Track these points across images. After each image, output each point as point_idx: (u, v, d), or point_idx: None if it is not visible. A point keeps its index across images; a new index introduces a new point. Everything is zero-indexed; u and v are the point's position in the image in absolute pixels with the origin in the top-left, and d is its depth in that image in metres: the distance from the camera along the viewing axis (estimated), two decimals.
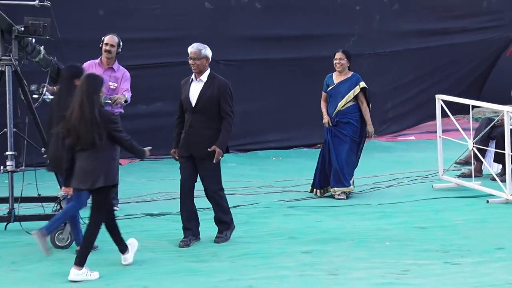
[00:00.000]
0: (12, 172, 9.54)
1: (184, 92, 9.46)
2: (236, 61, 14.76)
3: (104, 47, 10.82)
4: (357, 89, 11.61)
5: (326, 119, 11.71)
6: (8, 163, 9.54)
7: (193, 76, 9.46)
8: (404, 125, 16.93)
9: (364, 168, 12.81)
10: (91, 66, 10.81)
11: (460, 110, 15.08)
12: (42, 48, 9.87)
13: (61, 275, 8.54)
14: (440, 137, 12.52)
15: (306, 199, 11.67)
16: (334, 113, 11.63)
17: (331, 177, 11.62)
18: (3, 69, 9.64)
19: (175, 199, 10.73)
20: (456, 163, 12.99)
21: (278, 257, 9.03)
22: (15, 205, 9.52)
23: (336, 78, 11.75)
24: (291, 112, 15.19)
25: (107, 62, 10.84)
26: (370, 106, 11.74)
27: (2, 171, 9.54)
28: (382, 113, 16.37)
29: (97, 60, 10.90)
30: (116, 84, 10.81)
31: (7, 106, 9.61)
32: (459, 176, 12.57)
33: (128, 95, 10.77)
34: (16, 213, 9.52)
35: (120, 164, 13.95)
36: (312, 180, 11.83)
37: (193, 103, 9.37)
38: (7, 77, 9.62)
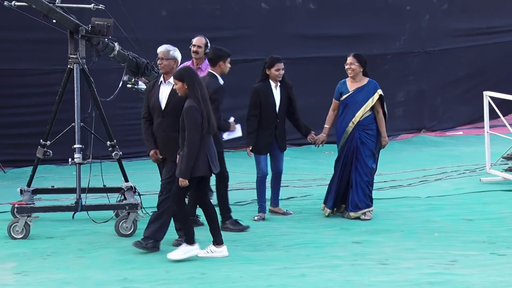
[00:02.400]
0: (80, 164, 9.65)
1: (153, 95, 9.00)
2: (290, 59, 14.71)
3: (192, 48, 10.89)
4: (375, 97, 10.10)
5: (322, 137, 10.43)
6: (75, 155, 9.64)
7: (161, 78, 9.05)
8: (454, 121, 16.78)
9: (413, 162, 12.75)
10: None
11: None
12: (116, 44, 9.96)
13: (124, 261, 8.63)
14: (487, 132, 12.40)
15: None
16: (351, 123, 10.13)
17: (352, 197, 10.14)
18: (71, 67, 9.75)
19: (235, 190, 10.77)
20: (503, 157, 12.85)
21: (330, 247, 9.03)
22: (82, 195, 9.61)
23: (351, 85, 10.24)
24: None
25: (196, 62, 10.91)
26: (387, 116, 10.35)
27: (70, 163, 9.65)
28: (431, 110, 16.27)
29: (189, 62, 10.98)
30: None
31: (75, 102, 9.71)
32: (506, 170, 12.44)
33: None
34: (83, 203, 9.62)
35: None
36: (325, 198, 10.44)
37: (163, 106, 8.90)
38: (75, 74, 9.73)
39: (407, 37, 15.92)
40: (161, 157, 9.05)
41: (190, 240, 8.68)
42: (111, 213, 10.03)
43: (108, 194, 10.22)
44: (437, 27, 16.23)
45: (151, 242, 8.84)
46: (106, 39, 9.80)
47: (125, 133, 13.27)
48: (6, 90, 13.18)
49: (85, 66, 9.77)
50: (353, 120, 10.11)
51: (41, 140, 9.83)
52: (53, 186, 10.59)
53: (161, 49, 9.07)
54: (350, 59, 10.15)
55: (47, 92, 12.45)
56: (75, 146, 9.65)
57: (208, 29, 13.52)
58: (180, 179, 8.49)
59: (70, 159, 9.66)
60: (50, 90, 11.81)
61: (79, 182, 9.61)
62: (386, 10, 15.70)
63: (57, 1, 9.68)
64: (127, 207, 9.63)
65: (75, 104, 9.72)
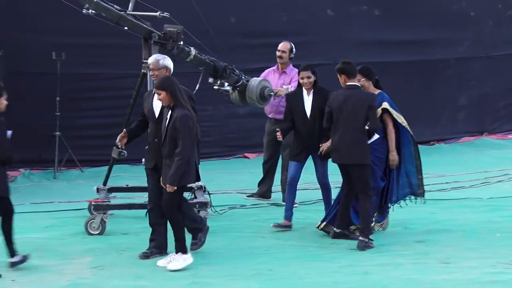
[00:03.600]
0: None
1: (147, 105, 8.69)
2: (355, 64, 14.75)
3: (277, 53, 10.94)
4: (378, 111, 9.23)
5: (326, 146, 9.42)
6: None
7: (154, 88, 8.55)
8: None
9: (475, 164, 12.62)
10: (269, 73, 10.97)
11: None
12: (193, 49, 10.02)
13: (194, 257, 8.70)
14: None
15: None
16: None
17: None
18: (144, 71, 9.86)
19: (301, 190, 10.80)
20: None
21: (393, 246, 8.99)
22: None
23: None
24: (404, 112, 14.98)
25: (281, 67, 10.95)
26: (407, 130, 9.46)
27: (143, 163, 9.77)
28: (493, 113, 16.08)
29: (274, 67, 11.04)
30: (289, 86, 10.83)
31: None
32: None
33: (291, 88, 10.68)
34: None
35: (248, 157, 14.16)
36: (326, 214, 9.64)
37: (156, 114, 8.58)
38: (148, 78, 9.85)
39: (470, 43, 15.77)
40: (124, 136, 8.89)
41: (185, 249, 8.32)
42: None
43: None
44: (500, 33, 16.04)
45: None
46: (182, 44, 9.87)
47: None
48: (85, 94, 13.41)
49: None
50: None
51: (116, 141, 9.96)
52: (127, 185, 10.75)
53: (150, 60, 8.77)
54: (358, 76, 9.32)
55: (122, 95, 12.63)
56: (148, 147, 9.76)
57: (275, 35, 13.57)
58: (168, 186, 8.17)
59: (143, 159, 9.77)
60: (124, 94, 11.97)
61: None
62: (450, 16, 15.58)
63: (128, 9, 9.81)
64: (197, 205, 9.70)
65: None
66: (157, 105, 8.55)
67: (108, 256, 8.72)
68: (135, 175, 12.15)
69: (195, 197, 10.02)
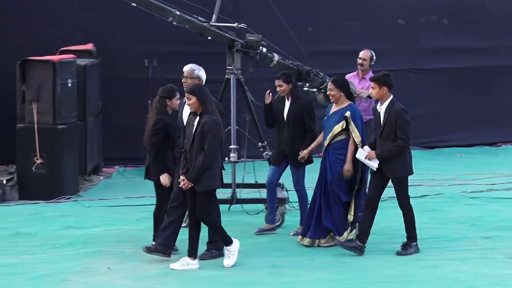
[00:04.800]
0: (235, 162, 9.76)
1: (179, 114, 8.53)
2: (424, 70, 14.53)
3: (358, 60, 10.86)
4: (341, 125, 8.70)
5: (303, 154, 9.08)
6: (231, 155, 9.77)
7: (185, 98, 8.24)
8: None
9: None
10: (350, 77, 10.90)
11: None
12: (276, 55, 10.00)
13: (273, 249, 8.67)
14: None
15: (487, 191, 11.27)
16: (324, 148, 8.85)
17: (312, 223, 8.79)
18: (228, 77, 9.88)
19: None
20: None
21: (461, 241, 8.79)
22: (237, 190, 9.73)
23: (333, 108, 8.97)
24: (471, 115, 14.79)
25: (361, 73, 10.87)
26: (364, 141, 8.76)
27: (226, 161, 9.76)
28: None
29: (355, 73, 10.96)
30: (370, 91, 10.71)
31: (231, 108, 9.83)
32: None
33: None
34: (237, 197, 9.73)
35: None
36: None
37: (185, 123, 8.27)
38: (231, 84, 9.86)
39: None
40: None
41: (194, 254, 7.99)
42: (262, 206, 10.08)
43: (259, 189, 10.28)
44: None
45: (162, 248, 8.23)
46: (265, 51, 9.82)
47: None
48: None
49: (240, 76, 9.87)
50: (325, 142, 8.86)
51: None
52: None
53: (186, 68, 8.59)
54: (329, 85, 8.95)
55: None
56: (231, 146, 9.77)
57: (348, 43, 13.46)
58: (186, 180, 7.82)
59: (226, 158, 9.76)
60: None
61: (234, 178, 9.74)
62: None
63: (212, 21, 9.83)
64: (276, 201, 9.64)
65: (231, 110, 9.84)
66: (185, 115, 8.29)
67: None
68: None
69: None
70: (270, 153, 10.08)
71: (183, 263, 7.97)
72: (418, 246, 8.49)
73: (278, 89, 9.32)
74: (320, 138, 9.05)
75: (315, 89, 10.16)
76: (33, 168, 10.85)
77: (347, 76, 10.81)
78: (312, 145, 9.11)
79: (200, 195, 7.89)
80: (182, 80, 8.53)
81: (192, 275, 7.80)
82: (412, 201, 10.62)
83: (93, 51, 12.42)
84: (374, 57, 10.89)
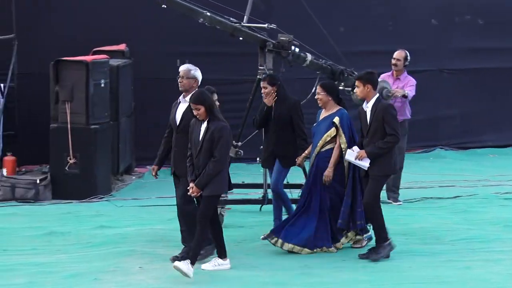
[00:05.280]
0: None
1: (171, 113, 8.37)
2: (457, 70, 14.42)
3: (392, 61, 10.82)
4: (332, 131, 8.54)
5: (298, 160, 8.95)
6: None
7: (181, 97, 8.30)
8: None
9: None
10: (385, 77, 10.85)
11: None
12: (309, 55, 9.97)
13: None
14: None
15: None
16: (314, 155, 8.63)
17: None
18: (260, 77, 9.86)
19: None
20: None
21: (494, 243, 8.72)
22: (268, 190, 9.70)
23: (323, 114, 8.77)
24: (505, 115, 14.67)
25: (396, 73, 10.82)
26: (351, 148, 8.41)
27: (258, 161, 9.75)
28: None
29: (389, 73, 10.92)
30: (407, 90, 10.62)
31: None
32: None
33: (408, 91, 10.50)
34: (268, 197, 9.71)
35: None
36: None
37: (177, 123, 8.22)
38: None
39: None
40: (154, 174, 8.57)
41: (195, 261, 7.74)
42: (293, 206, 10.06)
43: (290, 189, 10.26)
44: None
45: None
46: (298, 51, 9.82)
47: (308, 135, 13.33)
48: None
49: None
50: (315, 150, 8.64)
51: (233, 141, 9.99)
52: (243, 182, 10.73)
53: (182, 68, 8.36)
54: (317, 89, 8.71)
55: (238, 99, 12.65)
56: (262, 147, 9.75)
57: (381, 43, 13.41)
58: (195, 188, 7.74)
59: (258, 158, 9.76)
60: (240, 98, 11.99)
61: (266, 179, 9.74)
62: None
63: (243, 21, 9.83)
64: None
65: None
66: (179, 114, 8.22)
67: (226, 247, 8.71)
68: (250, 172, 12.14)
69: None
70: None
71: (215, 263, 7.99)
72: (391, 244, 8.21)
73: (262, 91, 9.14)
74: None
75: (349, 89, 10.13)
76: (66, 168, 10.93)
77: (382, 76, 10.79)
78: (306, 152, 8.87)
79: (206, 198, 7.77)
80: (178, 80, 8.31)
81: (224, 275, 7.81)
82: (444, 202, 10.70)
83: (125, 52, 12.49)
84: (409, 57, 10.84)
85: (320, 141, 8.56)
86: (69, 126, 10.94)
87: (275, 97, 9.10)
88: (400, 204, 9.81)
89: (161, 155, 8.51)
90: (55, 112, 11.19)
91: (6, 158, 11.35)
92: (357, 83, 8.36)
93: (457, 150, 14.16)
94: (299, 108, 9.11)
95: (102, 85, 11.25)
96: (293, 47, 9.77)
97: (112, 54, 12.03)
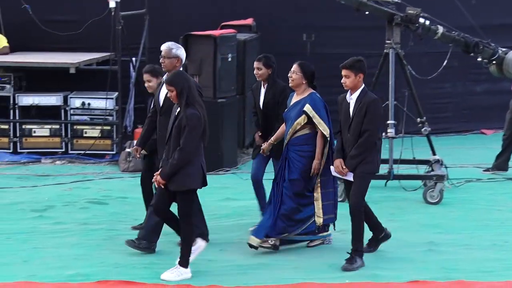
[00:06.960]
0: (392, 138, 9.63)
1: (155, 93, 7.82)
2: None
3: None
4: (302, 119, 7.64)
5: (265, 147, 8.06)
6: (389, 130, 9.66)
7: (165, 76, 7.65)
8: None
9: None
10: None
11: None
12: (440, 27, 9.79)
13: (431, 226, 8.48)
14: None
15: None
16: (284, 145, 7.79)
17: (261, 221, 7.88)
18: (387, 51, 9.73)
19: None
20: None
21: None
22: (394, 165, 9.58)
23: (294, 98, 7.84)
24: None
25: None
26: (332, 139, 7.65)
27: (384, 137, 9.62)
28: None
29: None
30: None
31: (390, 83, 9.70)
32: None
33: None
34: (394, 173, 9.58)
35: (485, 133, 13.57)
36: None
37: (161, 104, 7.65)
38: (390, 58, 9.70)
39: None
40: (145, 153, 7.99)
41: (187, 264, 7.13)
42: (419, 182, 9.89)
43: (417, 165, 10.09)
44: None
45: (144, 243, 7.70)
46: (428, 24, 9.57)
47: (435, 110, 13.06)
48: (333, 72, 13.33)
49: (400, 50, 9.69)
50: (286, 138, 7.77)
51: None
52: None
53: (163, 47, 7.68)
54: (293, 67, 7.77)
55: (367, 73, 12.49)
56: (389, 122, 9.63)
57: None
58: (159, 178, 7.01)
59: (384, 133, 9.63)
60: (369, 72, 11.85)
61: (391, 154, 9.61)
62: None
63: None
64: (434, 177, 9.48)
65: (390, 85, 9.71)
66: (162, 96, 7.67)
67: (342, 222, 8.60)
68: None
69: (433, 170, 9.78)
70: (429, 128, 9.88)
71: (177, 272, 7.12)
72: (363, 261, 7.31)
73: (255, 72, 8.26)
74: (281, 129, 7.92)
75: (486, 61, 9.84)
76: None
77: None
78: (272, 139, 8.00)
79: (179, 194, 7.05)
80: (160, 60, 7.70)
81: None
82: None
83: (252, 26, 12.53)
84: None
85: (290, 129, 7.70)
86: None
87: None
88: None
89: (144, 135, 7.93)
90: None
91: (137, 130, 11.62)
92: (346, 72, 7.33)
93: None
94: (286, 94, 8.04)
95: (229, 59, 11.33)
96: (423, 20, 9.57)
97: (240, 28, 12.10)
